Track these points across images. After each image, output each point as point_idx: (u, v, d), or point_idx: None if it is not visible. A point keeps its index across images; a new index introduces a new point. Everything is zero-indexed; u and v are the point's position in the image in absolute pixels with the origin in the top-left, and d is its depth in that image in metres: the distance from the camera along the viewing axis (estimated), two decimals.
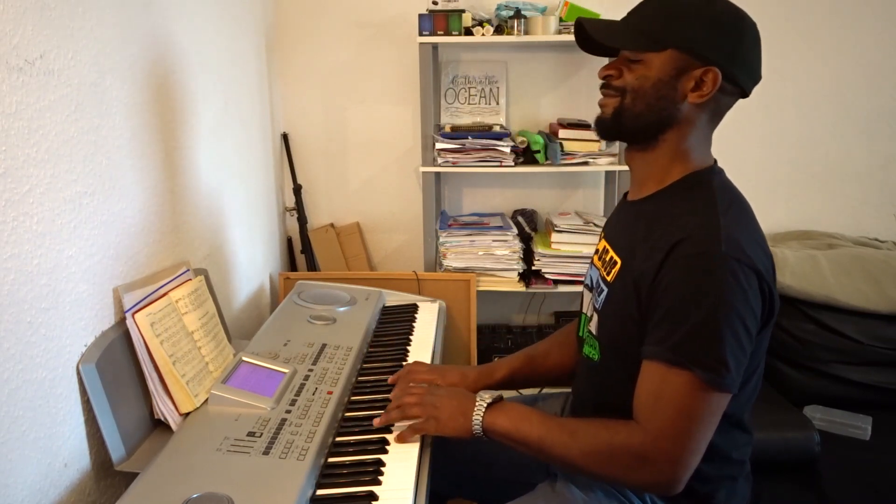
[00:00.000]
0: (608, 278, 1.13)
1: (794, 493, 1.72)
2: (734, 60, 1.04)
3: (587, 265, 1.29)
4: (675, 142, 1.09)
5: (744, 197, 1.11)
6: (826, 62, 2.44)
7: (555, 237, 2.31)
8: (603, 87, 1.12)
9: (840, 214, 2.53)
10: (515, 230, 2.36)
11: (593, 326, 1.17)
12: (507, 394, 1.22)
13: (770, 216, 2.53)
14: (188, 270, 1.48)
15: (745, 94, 1.09)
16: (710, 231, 0.99)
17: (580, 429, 1.07)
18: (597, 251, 1.24)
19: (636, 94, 1.07)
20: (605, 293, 1.14)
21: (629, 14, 1.10)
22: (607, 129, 1.13)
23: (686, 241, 0.99)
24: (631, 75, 1.07)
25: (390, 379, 1.39)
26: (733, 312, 0.96)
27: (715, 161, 1.14)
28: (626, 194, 1.22)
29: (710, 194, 1.05)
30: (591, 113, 2.27)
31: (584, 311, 1.25)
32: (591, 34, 1.09)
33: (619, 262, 1.12)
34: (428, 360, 1.56)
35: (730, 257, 0.97)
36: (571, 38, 2.17)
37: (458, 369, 1.39)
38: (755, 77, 1.08)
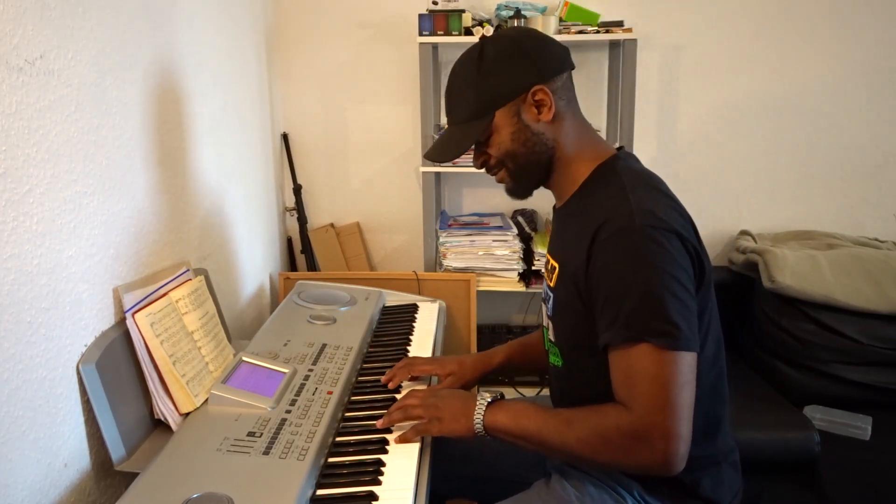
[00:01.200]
0: (551, 284, 1.19)
1: (794, 493, 1.72)
2: (539, 68, 1.13)
3: None
4: (563, 153, 1.17)
5: (653, 174, 1.18)
6: (826, 62, 2.44)
7: None
8: (486, 171, 1.23)
9: (840, 214, 2.53)
10: (515, 230, 2.36)
11: (551, 334, 1.21)
12: (508, 394, 1.22)
13: (770, 216, 2.53)
14: (188, 270, 1.48)
15: (572, 66, 1.19)
16: (622, 209, 1.05)
17: (574, 417, 1.09)
18: (545, 268, 1.29)
19: (509, 155, 1.17)
20: (551, 299, 1.19)
21: (448, 117, 1.21)
22: (517, 192, 1.23)
23: (605, 224, 1.05)
24: (494, 149, 1.18)
25: (383, 379, 1.41)
26: (666, 275, 1.01)
27: (621, 148, 1.21)
28: (554, 206, 1.27)
29: (617, 178, 1.12)
30: (590, 113, 2.27)
31: (544, 324, 1.29)
32: (446, 159, 1.20)
33: (556, 265, 1.17)
34: None
35: (646, 226, 1.02)
36: (571, 38, 2.19)
37: (456, 358, 1.44)
38: (560, 55, 1.17)
